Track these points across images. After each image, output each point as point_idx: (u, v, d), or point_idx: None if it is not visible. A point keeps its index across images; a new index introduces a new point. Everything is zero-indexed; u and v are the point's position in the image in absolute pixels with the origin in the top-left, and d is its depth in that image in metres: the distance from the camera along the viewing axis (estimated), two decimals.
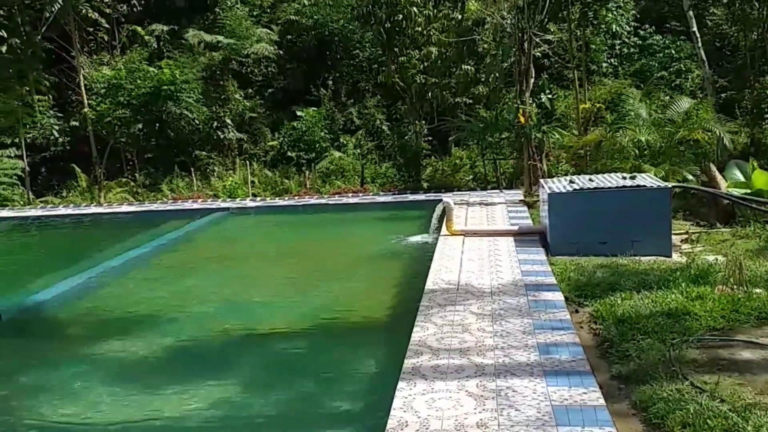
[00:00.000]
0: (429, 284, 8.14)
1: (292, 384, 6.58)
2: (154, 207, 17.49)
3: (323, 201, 17.18)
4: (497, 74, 18.78)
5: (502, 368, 5.37)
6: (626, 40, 21.50)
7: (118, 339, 8.10)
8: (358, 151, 20.41)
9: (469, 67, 19.08)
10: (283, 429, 5.67)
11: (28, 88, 20.33)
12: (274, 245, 14.20)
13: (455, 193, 16.45)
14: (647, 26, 21.87)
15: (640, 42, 21.65)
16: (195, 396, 6.31)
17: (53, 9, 19.34)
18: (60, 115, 21.42)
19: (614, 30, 20.43)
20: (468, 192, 16.96)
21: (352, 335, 7.99)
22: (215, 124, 20.92)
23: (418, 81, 18.92)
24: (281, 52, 22.31)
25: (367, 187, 18.72)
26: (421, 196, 16.77)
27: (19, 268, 12.91)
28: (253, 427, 5.72)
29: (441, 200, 11.78)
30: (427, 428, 4.44)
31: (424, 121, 19.79)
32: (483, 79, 19.62)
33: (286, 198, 18.06)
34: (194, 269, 12.06)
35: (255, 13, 23.16)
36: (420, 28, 18.66)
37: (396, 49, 18.70)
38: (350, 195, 17.72)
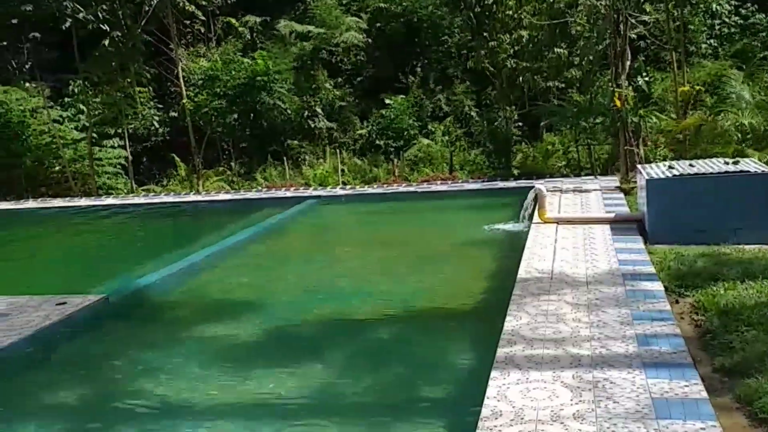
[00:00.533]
0: (521, 273, 8.03)
1: (384, 371, 6.63)
2: (249, 195, 17.93)
3: (412, 189, 17.19)
4: (591, 57, 18.25)
5: (599, 359, 5.26)
6: (726, 19, 20.48)
7: (217, 322, 8.37)
8: (447, 138, 20.30)
9: (561, 50, 18.62)
10: (375, 415, 5.72)
11: (129, 80, 21.17)
12: (363, 233, 14.35)
13: (547, 179, 16.15)
14: (749, 4, 20.77)
15: (742, 21, 20.58)
16: (290, 379, 6.47)
17: (152, 2, 20.04)
18: (160, 106, 22.27)
19: (714, 9, 19.50)
20: (560, 179, 16.62)
21: (442, 323, 7.98)
22: (306, 113, 21.26)
23: (509, 65, 18.62)
24: (370, 40, 22.42)
25: (456, 174, 18.61)
26: (512, 183, 16.54)
27: (124, 254, 13.53)
28: (347, 412, 5.81)
29: (533, 187, 11.59)
30: (522, 418, 4.40)
31: (514, 107, 19.47)
32: (576, 63, 19.11)
33: (375, 186, 18.17)
34: (287, 256, 12.36)
35: (344, 2, 23.37)
36: (511, 12, 18.36)
37: (486, 34, 18.44)
38: (439, 182, 17.67)
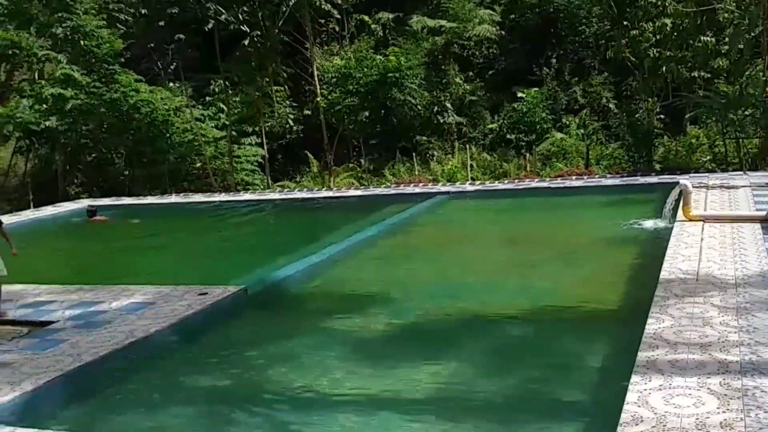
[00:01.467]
0: (664, 273, 7.58)
1: (516, 369, 6.47)
2: (378, 191, 18.09)
3: (545, 184, 16.71)
4: (741, 45, 17.04)
5: (749, 366, 4.86)
6: None
7: (350, 315, 8.47)
8: (582, 131, 19.61)
9: (708, 38, 17.51)
10: (507, 414, 5.58)
11: (267, 80, 21.91)
12: (493, 229, 14.10)
13: (692, 175, 15.19)
14: None
15: None
16: (421, 373, 6.43)
17: (290, 2, 20.61)
18: (295, 104, 22.93)
19: None
20: (706, 174, 15.61)
21: (577, 323, 7.68)
22: (436, 108, 21.21)
23: (651, 55, 17.73)
24: (503, 32, 22.04)
25: (593, 169, 17.94)
26: (653, 179, 15.70)
27: (261, 247, 13.97)
28: (478, 408, 5.69)
29: (676, 183, 10.93)
30: (664, 425, 4.12)
31: (656, 98, 18.51)
32: (724, 51, 17.91)
33: (506, 181, 17.82)
34: (416, 251, 12.33)
35: None
36: None
37: (627, 23, 17.64)
38: (574, 178, 17.08)
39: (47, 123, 21.79)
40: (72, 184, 23.51)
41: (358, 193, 18.15)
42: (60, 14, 21.79)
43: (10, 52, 22.40)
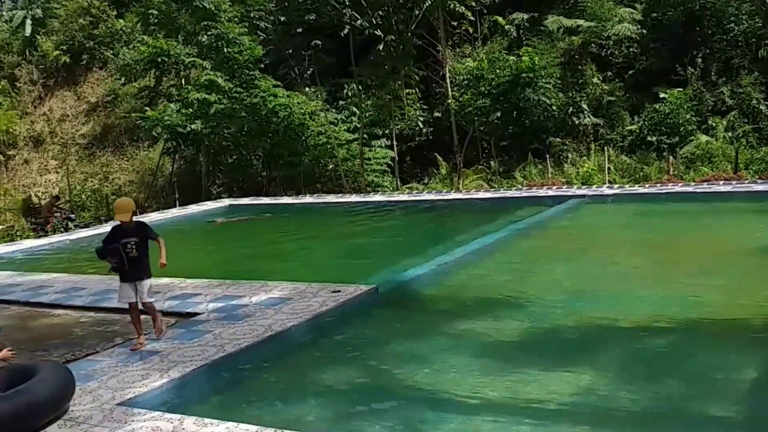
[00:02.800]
0: None
1: (658, 381, 6.13)
2: (508, 194, 17.80)
3: (689, 189, 15.82)
4: None
5: None
6: None
7: (478, 318, 8.35)
8: (730, 134, 18.43)
9: None
10: (649, 427, 5.29)
11: (399, 83, 22.11)
12: (631, 235, 13.49)
13: None
14: None
15: None
16: (553, 381, 6.22)
17: (423, 6, 20.70)
18: (425, 107, 23.00)
19: None
20: None
21: (721, 336, 7.21)
22: (571, 109, 20.63)
23: None
24: (644, 31, 21.13)
25: (742, 174, 16.81)
26: None
27: (391, 247, 14.10)
28: (617, 419, 5.44)
29: None
30: None
31: None
32: None
33: (646, 185, 17.03)
34: (548, 256, 11.99)
35: None
36: None
37: None
38: (721, 183, 16.08)
39: (192, 126, 23.04)
40: (214, 184, 24.72)
41: (488, 195, 17.94)
42: (205, 23, 22.97)
43: (159, 60, 23.87)
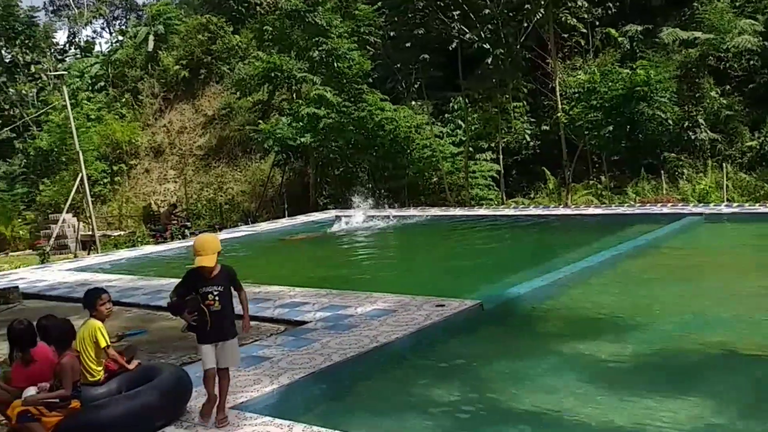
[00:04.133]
0: None
1: None
2: (620, 210, 17.27)
3: None
4: None
5: None
6: None
7: (586, 339, 8.12)
8: None
9: None
10: None
11: (507, 96, 21.92)
12: (751, 256, 12.83)
13: None
14: None
15: None
16: (666, 409, 5.99)
17: (534, 19, 20.46)
18: (532, 120, 22.69)
19: None
20: None
21: None
22: (687, 123, 19.84)
23: None
24: (766, 43, 20.04)
25: None
26: None
27: (495, 263, 13.94)
28: None
29: None
30: None
31: None
32: None
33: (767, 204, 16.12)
34: (662, 277, 11.55)
35: (738, 4, 21.26)
36: None
37: None
38: None
39: (302, 139, 23.68)
40: (321, 195, 25.28)
41: (598, 211, 17.46)
42: (317, 39, 23.58)
43: (272, 74, 24.70)
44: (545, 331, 9.07)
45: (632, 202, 18.54)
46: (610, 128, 20.04)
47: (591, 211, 17.64)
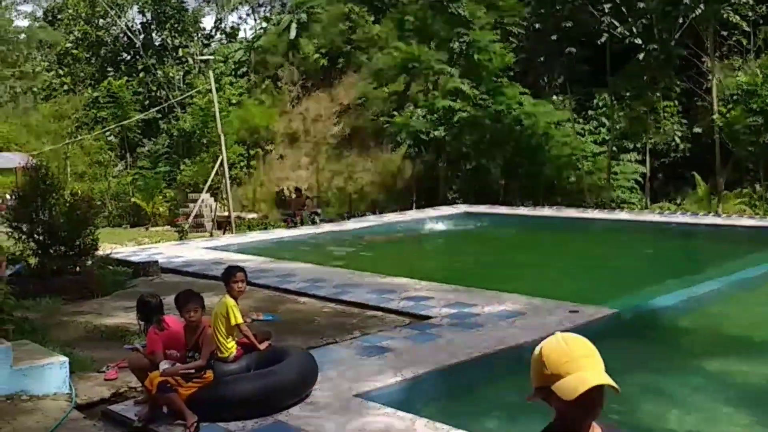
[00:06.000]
0: None
1: None
2: None
3: None
4: None
5: None
6: None
7: (737, 359, 7.58)
8: None
9: None
10: None
11: (657, 95, 20.68)
12: None
13: None
14: None
15: None
16: None
17: (692, 15, 19.14)
18: (684, 121, 21.31)
19: None
20: None
21: None
22: None
23: None
24: None
25: None
26: None
27: (635, 270, 13.17)
28: None
29: None
30: None
31: None
32: None
33: None
34: None
35: None
36: None
37: None
38: None
39: (435, 133, 23.41)
40: (450, 189, 24.94)
41: (752, 222, 16.12)
42: (458, 29, 23.21)
43: (410, 65, 24.58)
44: (688, 346, 8.47)
45: None
46: None
47: (744, 221, 16.32)
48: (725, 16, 19.12)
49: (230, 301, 6.15)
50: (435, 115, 23.44)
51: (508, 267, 13.66)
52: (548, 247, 16.47)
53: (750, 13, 19.66)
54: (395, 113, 26.10)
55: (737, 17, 19.18)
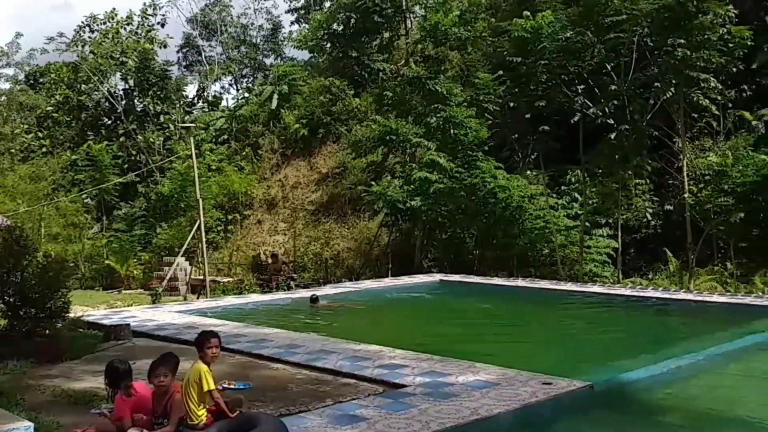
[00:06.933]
0: None
1: None
2: (747, 300, 16.09)
3: None
4: None
5: None
6: None
7: None
8: None
9: None
10: None
11: (629, 172, 21.20)
12: None
13: None
14: None
15: None
16: None
17: (663, 97, 19.82)
18: (655, 199, 21.79)
19: None
20: None
21: None
22: None
23: None
24: None
25: None
26: None
27: (607, 343, 13.22)
28: None
29: None
30: None
31: None
32: None
33: None
34: None
35: None
36: None
37: None
38: None
39: (412, 202, 23.69)
40: (426, 258, 25.08)
41: (723, 299, 16.32)
42: (436, 105, 23.79)
43: (388, 138, 25.09)
44: (664, 422, 8.43)
45: (761, 293, 17.25)
46: (741, 215, 18.77)
47: (715, 298, 16.53)
48: (695, 99, 19.79)
49: (203, 366, 6.08)
50: (412, 185, 23.77)
51: (483, 337, 13.64)
52: (522, 317, 16.52)
53: (719, 97, 20.41)
54: (373, 183, 26.42)
55: (707, 101, 19.87)
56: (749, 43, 19.02)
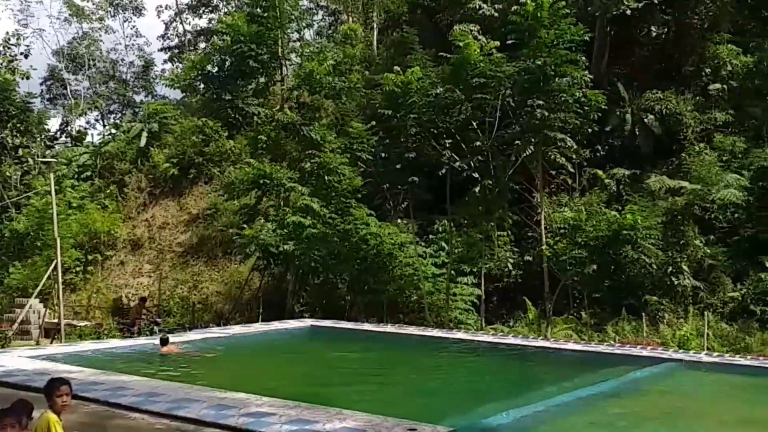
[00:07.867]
0: None
1: None
2: (600, 348, 17.01)
3: None
4: None
5: None
6: None
7: None
8: None
9: None
10: None
11: (492, 224, 22.15)
12: (732, 408, 12.51)
13: None
14: None
15: None
16: None
17: (523, 154, 20.99)
18: (516, 249, 22.84)
19: None
20: None
21: None
22: (670, 269, 19.99)
23: None
24: (751, 198, 20.61)
25: None
26: None
27: (470, 389, 13.56)
28: None
29: None
30: None
31: None
32: None
33: (748, 357, 15.95)
34: (643, 421, 11.23)
35: (724, 159, 22.06)
36: None
37: None
38: None
39: (285, 247, 23.57)
40: (298, 303, 24.89)
41: (578, 347, 17.19)
42: (310, 151, 23.97)
43: (262, 181, 24.94)
44: None
45: (612, 342, 18.35)
46: (594, 267, 20.08)
47: (570, 346, 17.37)
48: (553, 157, 21.09)
49: (52, 416, 5.73)
50: (285, 229, 23.67)
51: (351, 383, 13.62)
52: (390, 363, 16.65)
53: (575, 156, 21.82)
54: (245, 225, 26.06)
55: (563, 159, 21.20)
56: (603, 107, 20.58)
